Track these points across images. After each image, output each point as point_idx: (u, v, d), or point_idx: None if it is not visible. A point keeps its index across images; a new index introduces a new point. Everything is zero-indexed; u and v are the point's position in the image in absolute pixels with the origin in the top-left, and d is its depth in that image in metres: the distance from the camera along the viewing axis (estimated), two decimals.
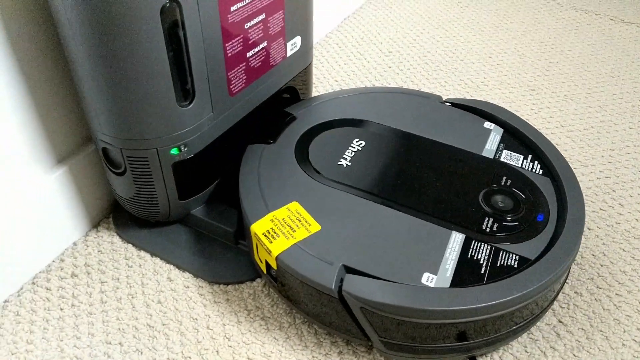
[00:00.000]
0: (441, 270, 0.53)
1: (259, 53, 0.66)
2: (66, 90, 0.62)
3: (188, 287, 0.63)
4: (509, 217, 0.59)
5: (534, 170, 0.66)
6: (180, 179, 0.62)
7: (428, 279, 0.52)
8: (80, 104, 0.65)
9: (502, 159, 0.67)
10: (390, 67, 1.06)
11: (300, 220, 0.57)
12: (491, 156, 0.67)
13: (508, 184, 0.63)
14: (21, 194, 0.60)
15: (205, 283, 0.64)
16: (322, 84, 1.00)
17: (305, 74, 0.79)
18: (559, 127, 0.91)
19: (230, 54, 0.61)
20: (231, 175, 0.70)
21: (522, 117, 0.93)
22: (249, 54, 0.64)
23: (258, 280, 0.64)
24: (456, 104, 0.77)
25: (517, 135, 0.71)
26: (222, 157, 0.67)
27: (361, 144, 0.68)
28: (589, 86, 1.01)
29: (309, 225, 0.57)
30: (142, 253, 0.67)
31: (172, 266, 0.66)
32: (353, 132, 0.70)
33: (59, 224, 0.66)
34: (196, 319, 0.60)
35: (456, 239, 0.56)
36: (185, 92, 0.57)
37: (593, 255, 0.68)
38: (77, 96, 0.64)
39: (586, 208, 0.75)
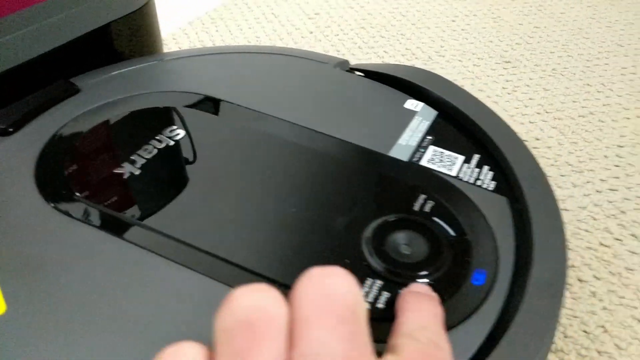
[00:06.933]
0: None
1: None
2: None
3: None
4: (420, 278, 0.30)
5: (479, 182, 0.37)
6: None
7: None
8: None
9: (422, 163, 0.38)
10: (311, 32, 0.77)
11: None
12: (405, 157, 0.38)
13: (426, 209, 0.34)
14: None
15: None
16: None
17: (136, 24, 0.50)
18: (541, 112, 0.62)
19: None
20: None
21: (488, 99, 0.64)
22: None
23: None
24: (367, 72, 0.48)
25: (457, 122, 0.42)
26: None
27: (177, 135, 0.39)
28: (588, 57, 0.72)
29: None
30: None
31: None
32: (165, 116, 0.41)
33: None
34: None
35: None
36: None
37: (585, 331, 0.39)
38: None
39: (578, 243, 0.46)
